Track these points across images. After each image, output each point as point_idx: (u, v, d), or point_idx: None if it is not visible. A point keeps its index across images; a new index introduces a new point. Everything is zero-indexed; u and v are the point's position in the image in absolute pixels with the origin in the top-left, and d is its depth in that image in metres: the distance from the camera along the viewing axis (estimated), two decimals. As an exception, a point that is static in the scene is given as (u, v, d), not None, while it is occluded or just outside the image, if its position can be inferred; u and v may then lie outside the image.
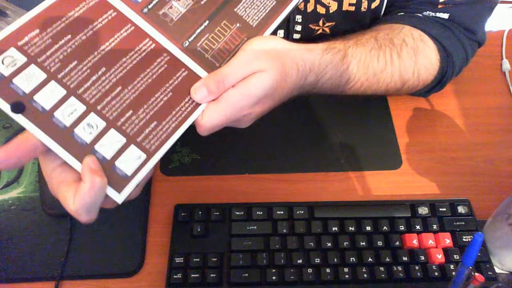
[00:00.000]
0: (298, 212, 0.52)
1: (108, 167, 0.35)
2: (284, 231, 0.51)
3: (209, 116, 0.39)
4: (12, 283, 0.50)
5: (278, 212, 0.52)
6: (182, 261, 0.49)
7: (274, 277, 0.48)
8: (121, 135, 0.36)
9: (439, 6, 0.55)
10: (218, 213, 0.52)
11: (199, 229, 0.51)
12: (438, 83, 0.57)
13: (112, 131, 0.36)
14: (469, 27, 0.55)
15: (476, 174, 0.57)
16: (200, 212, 0.52)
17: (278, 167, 0.58)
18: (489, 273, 0.48)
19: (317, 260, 0.49)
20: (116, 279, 0.50)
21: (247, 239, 0.50)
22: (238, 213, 0.52)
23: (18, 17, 0.36)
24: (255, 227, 0.51)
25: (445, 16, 0.55)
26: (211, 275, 0.48)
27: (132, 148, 0.36)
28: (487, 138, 0.60)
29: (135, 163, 0.36)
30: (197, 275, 0.48)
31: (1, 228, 0.53)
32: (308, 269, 0.48)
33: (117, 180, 0.35)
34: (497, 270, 0.49)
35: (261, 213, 0.52)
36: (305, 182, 0.57)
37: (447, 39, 0.54)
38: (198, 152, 0.59)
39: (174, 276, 0.48)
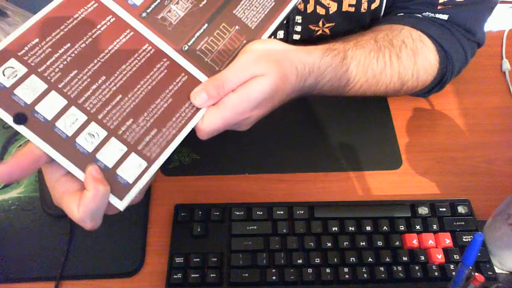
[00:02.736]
0: (298, 212, 0.52)
1: (109, 176, 0.35)
2: (284, 231, 0.51)
3: (209, 120, 0.39)
4: (12, 283, 0.50)
5: (278, 212, 0.52)
6: (182, 261, 0.49)
7: (274, 277, 0.48)
8: (122, 143, 0.36)
9: (439, 7, 0.55)
10: (218, 213, 0.52)
11: (199, 229, 0.51)
12: (437, 84, 0.57)
13: (113, 140, 0.36)
14: (468, 28, 0.56)
15: (476, 174, 0.57)
16: (200, 212, 0.52)
17: (278, 167, 0.58)
18: (489, 273, 0.48)
19: (317, 260, 0.49)
20: (116, 279, 0.50)
21: (247, 239, 0.50)
22: (238, 213, 0.52)
23: (18, 17, 0.36)
24: (255, 227, 0.51)
25: (445, 17, 0.55)
26: (211, 275, 0.48)
27: (133, 156, 0.36)
28: (487, 138, 0.60)
29: (136, 171, 0.36)
30: (197, 275, 0.48)
31: (1, 228, 0.53)
32: (308, 269, 0.48)
33: (118, 188, 0.35)
34: (497, 270, 0.49)
35: (261, 213, 0.52)
36: (305, 182, 0.57)
37: (446, 40, 0.54)
38: (198, 152, 0.59)
39: (174, 276, 0.48)
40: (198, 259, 0.49)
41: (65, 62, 0.36)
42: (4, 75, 0.34)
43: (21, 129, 0.33)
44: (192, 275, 0.48)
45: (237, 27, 0.43)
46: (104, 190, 0.34)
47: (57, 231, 0.52)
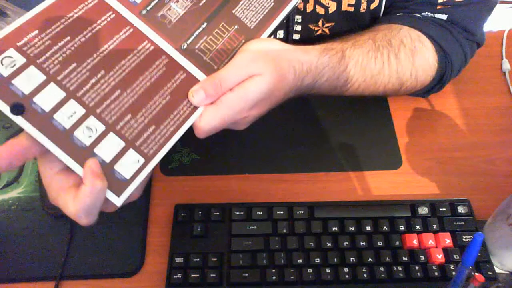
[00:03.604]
0: (298, 212, 0.52)
1: (107, 171, 0.35)
2: (284, 231, 0.51)
3: (207, 119, 0.39)
4: (12, 283, 0.50)
5: (278, 212, 0.52)
6: (182, 261, 0.49)
7: (274, 277, 0.48)
8: (120, 139, 0.36)
9: (438, 7, 0.55)
10: (218, 213, 0.52)
11: (199, 229, 0.51)
12: (437, 84, 0.57)
13: (111, 135, 0.36)
14: (468, 28, 0.56)
15: (476, 174, 0.57)
16: (200, 212, 0.52)
17: (278, 167, 0.58)
18: (489, 273, 0.48)
19: (317, 260, 0.49)
20: (116, 279, 0.50)
21: (247, 239, 0.50)
22: (238, 213, 0.52)
23: (18, 17, 0.36)
24: (255, 227, 0.51)
25: (444, 17, 0.55)
26: (211, 275, 0.48)
27: (131, 152, 0.36)
28: (487, 138, 0.60)
29: (133, 167, 0.36)
30: (197, 275, 0.48)
31: (1, 228, 0.53)
32: (308, 269, 0.48)
33: (116, 183, 0.35)
34: (497, 270, 0.49)
35: (261, 213, 0.52)
36: (305, 182, 0.57)
37: (445, 40, 0.54)
38: (198, 152, 0.59)
39: (174, 276, 0.48)
40: (198, 259, 0.49)
41: (64, 55, 0.36)
42: (2, 64, 0.34)
43: (18, 119, 0.33)
44: (192, 275, 0.48)
45: (236, 26, 0.43)
46: (102, 186, 0.34)
47: (57, 231, 0.52)
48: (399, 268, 0.48)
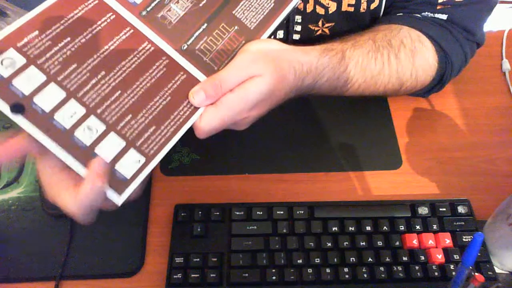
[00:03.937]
0: (298, 212, 0.52)
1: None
2: (284, 231, 0.51)
3: (207, 119, 0.39)
4: (12, 283, 0.50)
5: (278, 212, 0.52)
6: (182, 261, 0.49)
7: (274, 277, 0.48)
8: (121, 138, 0.36)
9: (438, 7, 0.55)
10: (218, 213, 0.52)
11: (199, 229, 0.51)
12: (437, 84, 0.58)
13: (112, 134, 0.36)
14: (467, 28, 0.56)
15: (476, 174, 0.57)
16: (200, 212, 0.52)
17: (278, 167, 0.58)
18: (489, 273, 0.48)
19: (317, 260, 0.49)
20: (116, 279, 0.50)
21: (247, 239, 0.50)
22: (238, 213, 0.52)
23: (18, 17, 0.36)
24: (255, 227, 0.51)
25: (444, 17, 0.55)
26: (211, 275, 0.48)
27: (132, 152, 0.36)
28: (487, 138, 0.60)
29: (134, 167, 0.36)
30: (197, 275, 0.48)
31: (1, 228, 0.53)
32: (308, 269, 0.48)
33: (116, 183, 0.35)
34: (497, 270, 0.49)
35: (261, 213, 0.52)
36: (305, 182, 0.57)
37: (445, 40, 0.54)
38: (198, 152, 0.59)
39: (174, 276, 0.48)
40: (198, 259, 0.49)
41: (64, 56, 0.36)
42: (2, 65, 0.34)
43: (19, 119, 0.33)
44: (192, 275, 0.48)
45: (236, 27, 0.43)
46: (102, 186, 0.34)
47: (57, 231, 0.52)
48: (399, 268, 0.48)
